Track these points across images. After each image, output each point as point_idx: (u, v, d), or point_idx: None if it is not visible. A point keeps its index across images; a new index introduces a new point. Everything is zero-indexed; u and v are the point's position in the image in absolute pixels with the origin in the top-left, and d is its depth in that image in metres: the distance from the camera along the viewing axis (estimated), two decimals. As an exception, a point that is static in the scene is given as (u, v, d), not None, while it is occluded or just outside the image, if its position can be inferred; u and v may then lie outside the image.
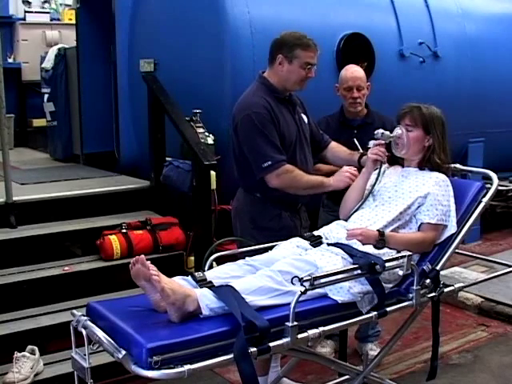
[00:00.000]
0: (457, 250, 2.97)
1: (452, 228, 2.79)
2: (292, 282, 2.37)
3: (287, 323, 2.21)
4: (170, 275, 2.32)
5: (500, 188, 3.13)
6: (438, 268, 2.73)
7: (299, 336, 2.26)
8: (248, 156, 3.03)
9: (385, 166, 2.99)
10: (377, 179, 2.91)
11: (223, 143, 4.60)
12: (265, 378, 3.16)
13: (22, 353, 3.43)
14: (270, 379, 3.24)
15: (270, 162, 2.95)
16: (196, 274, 2.45)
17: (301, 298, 2.23)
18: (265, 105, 3.00)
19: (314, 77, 3.12)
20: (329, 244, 2.72)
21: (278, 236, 2.88)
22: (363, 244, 2.66)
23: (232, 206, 3.34)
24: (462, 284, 2.97)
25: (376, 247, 2.65)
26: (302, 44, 3.04)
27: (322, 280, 2.31)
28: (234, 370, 2.28)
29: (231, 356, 2.09)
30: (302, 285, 2.25)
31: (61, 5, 8.72)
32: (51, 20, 8.19)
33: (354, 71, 3.65)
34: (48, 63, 6.32)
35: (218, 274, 2.48)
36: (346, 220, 2.88)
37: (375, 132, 2.95)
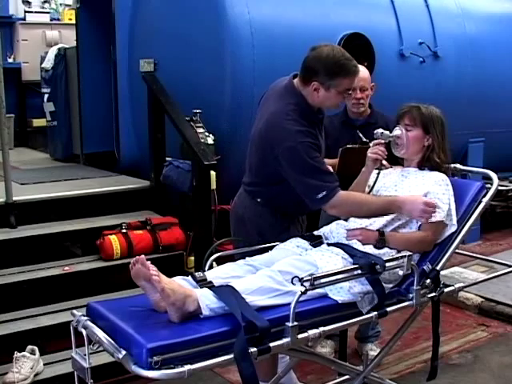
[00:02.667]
0: (457, 250, 2.96)
1: (452, 227, 2.79)
2: (292, 282, 2.37)
3: (287, 323, 2.21)
4: (169, 275, 2.32)
5: (500, 188, 3.12)
6: (438, 268, 2.73)
7: (299, 336, 2.26)
8: (296, 187, 2.76)
9: (385, 165, 2.99)
10: (376, 178, 2.92)
11: (223, 143, 4.61)
12: None
13: (22, 353, 3.43)
14: (279, 369, 3.21)
15: (324, 192, 2.68)
16: (196, 274, 2.45)
17: (301, 298, 2.23)
18: (306, 133, 2.72)
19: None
20: (329, 244, 2.72)
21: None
22: (363, 244, 2.66)
23: (233, 208, 3.17)
24: (462, 284, 2.97)
25: (376, 247, 2.65)
26: (342, 71, 2.72)
27: (322, 280, 2.31)
28: (234, 370, 2.28)
29: (231, 356, 2.09)
30: (302, 285, 2.25)
31: (61, 5, 8.71)
32: (51, 20, 8.18)
33: (358, 71, 3.63)
34: (48, 63, 6.32)
35: (218, 274, 2.49)
36: (346, 220, 2.88)
37: (375, 132, 2.96)
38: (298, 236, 2.86)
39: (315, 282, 2.26)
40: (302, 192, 2.76)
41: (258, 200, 2.98)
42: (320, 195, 2.69)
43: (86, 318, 2.25)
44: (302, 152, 2.68)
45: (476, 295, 4.67)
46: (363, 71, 3.66)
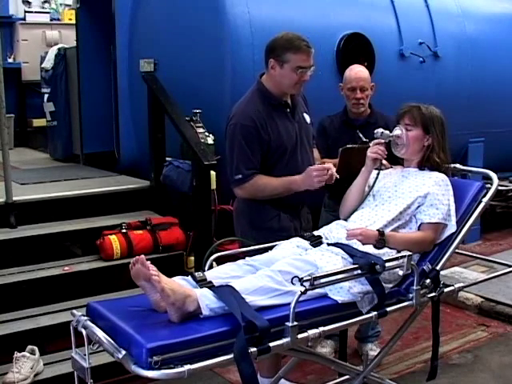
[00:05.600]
0: (457, 250, 2.97)
1: (452, 227, 2.79)
2: (292, 282, 2.37)
3: (287, 323, 2.21)
4: (169, 275, 2.32)
5: (500, 188, 3.12)
6: (438, 268, 2.73)
7: (299, 336, 2.26)
8: (226, 163, 3.09)
9: (385, 164, 3.00)
10: (376, 178, 2.92)
11: (223, 143, 4.59)
12: (269, 381, 3.14)
13: (22, 353, 3.43)
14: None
15: (240, 176, 3.00)
16: (196, 274, 2.45)
17: (301, 298, 2.23)
18: (254, 117, 2.97)
19: (313, 77, 3.06)
20: (329, 244, 2.72)
21: (277, 236, 2.88)
22: (363, 244, 2.66)
23: (233, 207, 3.33)
24: (462, 284, 2.96)
25: (376, 247, 2.65)
26: (292, 47, 2.95)
27: (322, 280, 2.31)
28: (234, 370, 2.28)
29: (231, 356, 2.09)
30: (302, 285, 2.25)
31: (61, 5, 8.71)
32: (51, 20, 8.19)
33: (358, 71, 3.64)
34: (48, 63, 6.32)
35: (218, 274, 2.48)
36: (345, 220, 2.88)
37: (375, 131, 2.96)
38: (297, 236, 2.86)
39: (315, 282, 2.26)
40: (227, 169, 3.07)
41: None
42: (237, 177, 3.01)
43: (85, 317, 2.25)
44: (237, 131, 2.98)
45: (476, 295, 4.67)
46: (363, 71, 3.67)
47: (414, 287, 2.60)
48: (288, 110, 3.11)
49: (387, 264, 2.48)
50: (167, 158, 4.77)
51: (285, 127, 3.06)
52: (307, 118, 3.22)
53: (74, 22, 6.38)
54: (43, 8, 8.53)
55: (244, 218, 3.15)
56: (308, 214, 3.27)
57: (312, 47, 3.00)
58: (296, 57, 2.95)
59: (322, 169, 2.90)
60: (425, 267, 2.69)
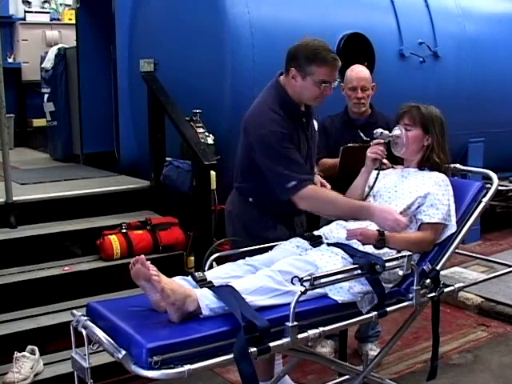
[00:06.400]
0: (457, 250, 2.97)
1: (452, 227, 2.79)
2: (292, 282, 2.37)
3: (287, 323, 2.21)
4: (169, 275, 2.32)
5: (500, 188, 3.13)
6: (438, 268, 2.73)
7: (299, 336, 2.26)
8: (268, 176, 2.79)
9: (386, 164, 3.00)
10: (376, 179, 2.92)
11: (223, 143, 4.60)
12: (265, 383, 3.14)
13: (22, 353, 3.43)
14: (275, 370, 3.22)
15: (294, 182, 2.71)
16: (196, 274, 2.45)
17: (301, 298, 2.23)
18: (283, 124, 2.76)
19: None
20: (329, 244, 2.72)
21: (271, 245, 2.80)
22: (363, 244, 2.66)
23: (226, 208, 3.19)
24: (461, 284, 2.97)
25: (376, 247, 2.65)
26: (317, 59, 2.71)
27: (322, 280, 2.31)
28: (234, 370, 2.28)
29: (231, 356, 2.09)
30: (302, 285, 2.25)
31: (61, 5, 8.71)
32: (51, 20, 8.18)
33: (359, 71, 3.65)
34: (48, 63, 6.32)
35: (218, 274, 2.48)
36: (346, 220, 2.88)
37: (374, 131, 2.96)
38: (297, 236, 2.86)
39: (315, 282, 2.26)
40: (272, 181, 2.78)
41: (245, 197, 3.00)
42: (289, 185, 2.70)
43: (85, 317, 2.25)
44: (272, 140, 2.72)
45: (476, 295, 4.67)
46: (364, 71, 3.67)
47: (414, 287, 2.60)
48: (304, 120, 2.94)
49: (387, 264, 2.48)
50: (167, 158, 4.77)
51: (302, 139, 2.91)
52: (315, 124, 3.10)
53: (74, 22, 6.39)
54: (43, 8, 8.53)
55: (238, 221, 3.03)
56: (303, 216, 3.16)
57: (338, 59, 2.79)
58: (321, 70, 2.73)
59: (403, 224, 2.68)
60: (425, 267, 2.69)
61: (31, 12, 8.09)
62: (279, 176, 2.74)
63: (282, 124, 2.76)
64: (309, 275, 2.28)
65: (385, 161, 2.98)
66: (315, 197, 2.77)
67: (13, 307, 3.81)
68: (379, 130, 2.94)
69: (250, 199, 3.00)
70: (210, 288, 2.32)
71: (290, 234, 2.99)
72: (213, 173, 4.22)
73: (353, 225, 2.78)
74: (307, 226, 3.16)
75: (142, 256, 2.24)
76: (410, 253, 2.57)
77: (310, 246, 2.74)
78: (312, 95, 2.82)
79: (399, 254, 2.58)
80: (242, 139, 2.94)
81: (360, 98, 3.59)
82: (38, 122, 7.39)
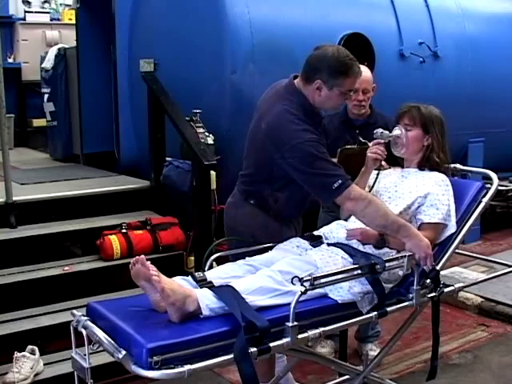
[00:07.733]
0: (457, 250, 2.97)
1: (452, 227, 2.79)
2: (292, 282, 2.37)
3: (287, 323, 2.21)
4: (169, 275, 2.33)
5: (500, 188, 3.13)
6: (438, 268, 2.73)
7: (299, 336, 2.26)
8: (310, 183, 2.70)
9: (384, 165, 2.99)
10: (376, 179, 2.92)
11: (223, 143, 4.61)
12: None
13: (22, 353, 3.43)
14: (277, 369, 3.21)
15: (340, 181, 2.60)
16: (196, 274, 2.45)
17: (301, 298, 2.23)
18: (312, 131, 2.69)
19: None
20: (329, 244, 2.72)
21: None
22: (363, 244, 2.66)
23: (226, 208, 3.11)
24: (462, 284, 2.97)
25: (376, 247, 2.65)
26: (347, 71, 2.71)
27: (322, 280, 2.31)
28: (234, 370, 2.28)
29: (231, 356, 2.09)
30: (302, 285, 2.25)
31: (61, 5, 8.72)
32: (51, 20, 8.18)
33: (361, 73, 3.62)
34: (48, 63, 6.32)
35: (218, 274, 2.49)
36: (346, 220, 2.88)
37: (374, 131, 2.96)
38: (297, 236, 2.85)
39: (315, 282, 2.26)
40: (315, 186, 2.69)
41: (251, 201, 2.93)
42: (336, 184, 2.59)
43: (85, 317, 2.25)
44: (311, 148, 2.64)
45: (476, 295, 4.67)
46: (366, 73, 3.64)
47: (414, 287, 2.60)
48: (320, 127, 2.87)
49: (387, 264, 2.49)
50: (167, 158, 4.77)
51: (323, 144, 2.83)
52: None
53: (74, 22, 6.39)
54: (43, 8, 8.54)
55: (244, 228, 2.94)
56: (300, 218, 3.12)
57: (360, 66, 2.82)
58: (348, 81, 2.73)
59: (430, 262, 2.64)
60: (425, 267, 2.69)
61: (31, 12, 8.09)
62: (323, 178, 2.64)
63: (313, 131, 2.71)
64: (309, 275, 2.29)
65: (383, 162, 2.97)
66: (362, 197, 2.64)
67: (13, 307, 3.81)
68: (379, 130, 2.93)
69: (252, 201, 2.94)
70: (210, 288, 2.32)
71: (292, 233, 2.98)
72: (213, 173, 4.22)
73: (353, 225, 2.79)
74: (305, 227, 3.15)
75: (142, 256, 2.24)
76: (410, 253, 2.58)
77: (310, 246, 2.74)
78: (336, 104, 2.87)
79: (399, 254, 2.59)
80: (265, 150, 2.78)
81: (361, 101, 3.56)
82: (38, 122, 7.39)
